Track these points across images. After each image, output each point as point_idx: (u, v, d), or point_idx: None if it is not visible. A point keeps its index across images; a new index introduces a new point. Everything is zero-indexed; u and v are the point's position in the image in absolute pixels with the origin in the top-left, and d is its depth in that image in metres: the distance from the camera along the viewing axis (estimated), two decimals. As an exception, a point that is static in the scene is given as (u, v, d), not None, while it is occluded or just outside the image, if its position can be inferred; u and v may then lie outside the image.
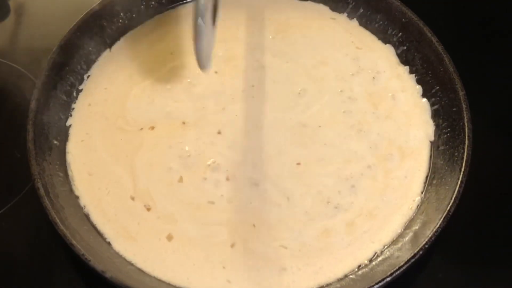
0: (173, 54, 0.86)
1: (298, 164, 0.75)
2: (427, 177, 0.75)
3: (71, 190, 0.74)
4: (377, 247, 0.69)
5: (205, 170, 0.74)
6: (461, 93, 0.75)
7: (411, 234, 0.69)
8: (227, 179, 0.74)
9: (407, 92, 0.82)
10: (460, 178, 0.68)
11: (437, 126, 0.78)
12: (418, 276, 0.72)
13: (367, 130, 0.78)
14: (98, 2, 0.85)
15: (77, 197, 0.73)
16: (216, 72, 0.83)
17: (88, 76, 0.84)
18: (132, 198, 0.73)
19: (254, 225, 0.70)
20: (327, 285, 0.67)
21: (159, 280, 0.67)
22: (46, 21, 0.99)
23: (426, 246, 0.64)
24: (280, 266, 0.68)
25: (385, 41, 0.87)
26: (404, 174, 0.75)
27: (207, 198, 0.72)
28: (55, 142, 0.77)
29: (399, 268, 0.63)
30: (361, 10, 0.89)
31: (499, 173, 0.80)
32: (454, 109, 0.75)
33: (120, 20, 0.88)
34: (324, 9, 0.91)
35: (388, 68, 0.84)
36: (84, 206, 0.73)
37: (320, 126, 0.78)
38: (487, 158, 0.78)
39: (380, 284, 0.62)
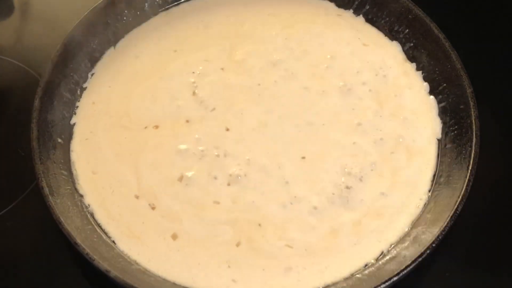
0: (177, 52, 0.85)
1: (303, 158, 0.75)
2: (434, 175, 0.74)
3: (75, 189, 0.74)
4: (383, 246, 0.69)
5: (209, 169, 0.74)
6: (469, 90, 0.74)
7: (418, 233, 0.68)
8: (232, 178, 0.73)
9: (414, 89, 0.81)
10: (468, 177, 0.68)
11: (444, 123, 0.78)
12: (425, 275, 0.71)
13: (373, 128, 0.77)
14: (102, -1, 0.84)
15: (81, 196, 0.73)
16: (222, 69, 0.83)
17: (92, 74, 0.84)
18: (137, 197, 0.72)
19: (259, 224, 0.70)
20: (334, 284, 0.66)
21: (164, 280, 0.67)
22: (51, 19, 0.98)
23: (434, 245, 0.63)
24: (285, 265, 0.67)
25: (392, 37, 0.86)
26: (411, 172, 0.74)
27: (213, 197, 0.72)
28: (59, 140, 0.76)
29: (406, 267, 0.62)
30: (367, 7, 0.88)
31: (508, 171, 0.79)
32: (462, 106, 0.75)
33: (125, 18, 0.87)
34: (329, 5, 0.90)
35: (395, 65, 0.83)
36: (88, 205, 0.73)
37: (324, 124, 0.77)
38: (495, 156, 0.78)
39: (387, 283, 0.61)
